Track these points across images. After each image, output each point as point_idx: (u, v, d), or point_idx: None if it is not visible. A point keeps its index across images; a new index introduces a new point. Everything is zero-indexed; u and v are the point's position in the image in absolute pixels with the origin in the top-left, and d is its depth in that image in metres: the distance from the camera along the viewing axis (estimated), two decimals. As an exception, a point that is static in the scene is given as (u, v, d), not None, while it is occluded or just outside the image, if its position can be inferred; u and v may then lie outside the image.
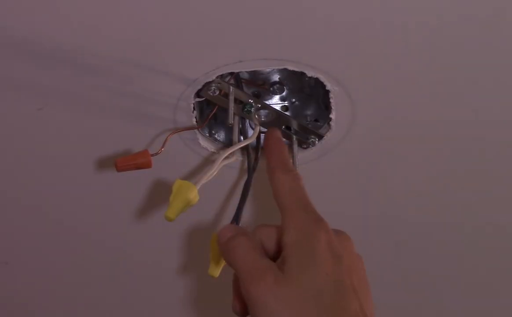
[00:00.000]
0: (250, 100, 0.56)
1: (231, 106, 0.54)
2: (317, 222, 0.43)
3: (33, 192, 0.69)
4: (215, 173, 0.51)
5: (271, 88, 0.60)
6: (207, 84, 0.54)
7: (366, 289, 0.43)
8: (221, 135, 0.63)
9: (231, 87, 0.55)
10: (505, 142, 0.64)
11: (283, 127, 0.59)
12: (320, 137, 0.60)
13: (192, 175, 0.64)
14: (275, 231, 0.44)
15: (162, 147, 0.54)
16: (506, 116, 0.61)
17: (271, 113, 0.57)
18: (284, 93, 0.61)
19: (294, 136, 0.59)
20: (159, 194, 0.68)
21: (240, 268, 0.41)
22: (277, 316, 0.38)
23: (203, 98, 0.56)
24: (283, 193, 0.45)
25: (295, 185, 0.46)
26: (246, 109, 0.56)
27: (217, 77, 0.54)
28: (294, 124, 0.59)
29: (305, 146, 0.60)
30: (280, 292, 0.39)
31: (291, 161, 0.51)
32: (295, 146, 0.59)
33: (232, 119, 0.54)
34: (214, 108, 0.58)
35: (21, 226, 0.73)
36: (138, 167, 0.52)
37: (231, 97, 0.54)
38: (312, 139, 0.60)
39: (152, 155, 0.53)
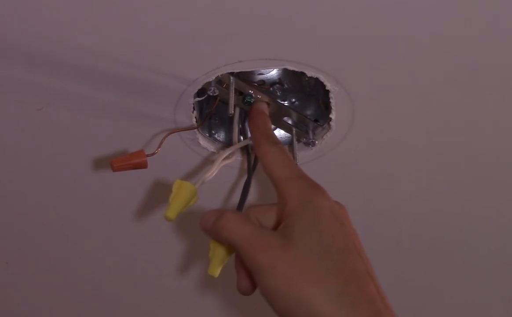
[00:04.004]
0: (250, 91, 0.56)
1: (232, 96, 0.54)
2: (315, 188, 0.43)
3: (32, 192, 0.69)
4: (215, 173, 0.51)
5: (271, 88, 0.60)
6: (208, 83, 0.55)
7: (366, 255, 0.42)
8: (221, 135, 0.63)
9: (232, 78, 0.55)
10: (507, 146, 0.64)
11: (283, 119, 0.59)
12: (320, 136, 0.60)
13: (192, 175, 0.64)
14: (268, 208, 0.44)
15: (158, 147, 0.54)
16: (509, 121, 0.61)
17: (271, 104, 0.57)
18: (284, 93, 0.61)
19: (294, 129, 0.59)
20: (159, 194, 0.68)
21: (240, 242, 0.41)
22: (288, 279, 0.38)
23: (203, 98, 0.56)
24: (274, 165, 0.45)
25: (283, 156, 0.46)
26: (246, 100, 0.56)
27: (217, 77, 0.54)
28: (294, 116, 0.59)
29: (305, 140, 0.60)
30: (288, 256, 0.39)
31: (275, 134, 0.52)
32: (295, 139, 0.60)
33: (233, 109, 0.54)
34: (212, 107, 0.58)
35: (21, 226, 0.73)
36: (134, 167, 0.52)
37: (232, 88, 0.55)
38: (312, 139, 0.60)
39: (148, 155, 0.52)
